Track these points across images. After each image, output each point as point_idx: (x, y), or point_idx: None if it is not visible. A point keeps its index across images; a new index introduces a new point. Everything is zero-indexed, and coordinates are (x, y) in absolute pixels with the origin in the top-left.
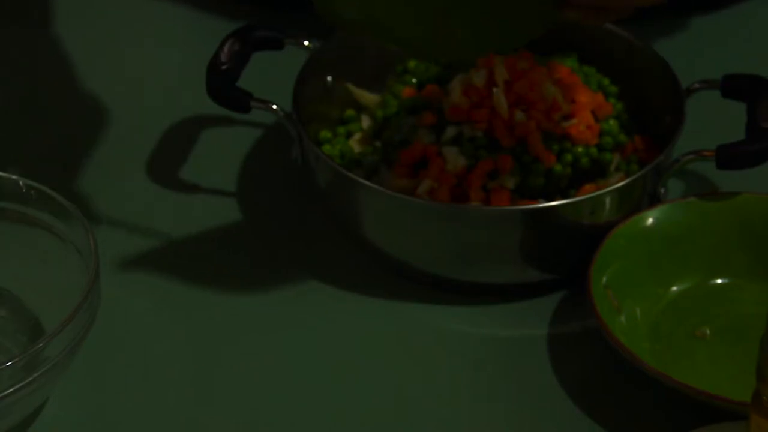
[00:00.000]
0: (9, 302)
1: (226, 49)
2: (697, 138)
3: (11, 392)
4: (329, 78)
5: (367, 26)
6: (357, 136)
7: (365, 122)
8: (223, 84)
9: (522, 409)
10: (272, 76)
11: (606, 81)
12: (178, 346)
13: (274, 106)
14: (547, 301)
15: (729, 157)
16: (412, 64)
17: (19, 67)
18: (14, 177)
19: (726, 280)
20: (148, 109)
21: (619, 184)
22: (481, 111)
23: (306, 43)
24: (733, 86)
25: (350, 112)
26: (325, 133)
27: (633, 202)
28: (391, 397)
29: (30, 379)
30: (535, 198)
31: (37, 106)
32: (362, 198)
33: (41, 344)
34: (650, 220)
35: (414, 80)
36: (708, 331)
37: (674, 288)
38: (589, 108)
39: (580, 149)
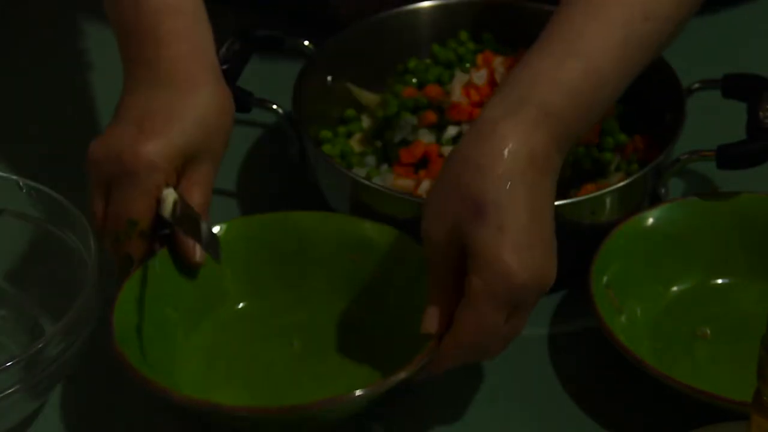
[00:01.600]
0: (9, 302)
1: (226, 48)
2: (697, 138)
3: (11, 392)
4: (329, 77)
5: None
6: (357, 135)
7: (365, 122)
8: None
9: (522, 408)
10: (272, 76)
11: None
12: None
13: (274, 106)
14: (547, 301)
15: (729, 156)
16: (412, 63)
17: (18, 67)
18: (14, 177)
19: (727, 280)
20: None
21: (620, 184)
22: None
23: (306, 42)
24: (734, 86)
25: (350, 112)
26: (326, 133)
27: (633, 201)
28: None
29: (30, 379)
30: None
31: (36, 106)
32: (363, 197)
33: (41, 344)
34: (651, 220)
35: (414, 80)
36: (708, 331)
37: (675, 288)
38: None
39: (580, 149)
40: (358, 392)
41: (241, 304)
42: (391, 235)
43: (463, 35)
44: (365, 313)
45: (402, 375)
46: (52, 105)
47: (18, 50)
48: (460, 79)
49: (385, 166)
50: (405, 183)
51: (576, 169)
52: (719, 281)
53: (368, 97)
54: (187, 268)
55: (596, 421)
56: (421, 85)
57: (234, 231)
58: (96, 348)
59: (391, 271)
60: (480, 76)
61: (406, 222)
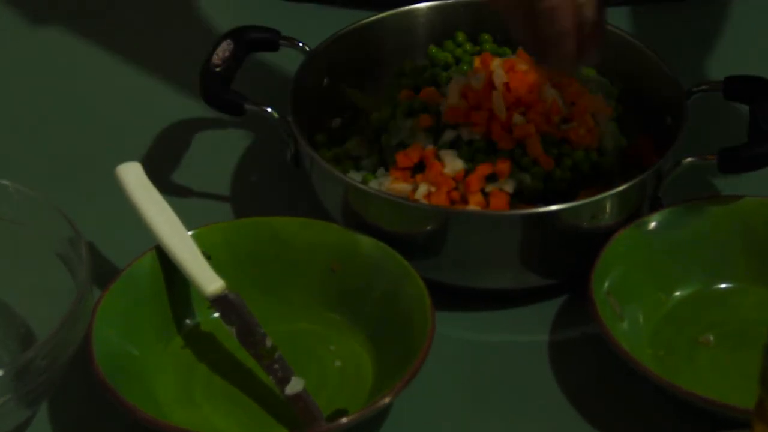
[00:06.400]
0: (0, 309)
1: (219, 50)
2: (698, 141)
3: (1, 402)
4: (325, 80)
5: None
6: (353, 139)
7: (361, 125)
8: (216, 87)
9: (523, 415)
10: (267, 78)
11: (606, 82)
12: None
13: (269, 109)
14: (547, 307)
15: (731, 160)
16: (408, 65)
17: (11, 70)
18: (4, 182)
19: (729, 285)
20: (141, 113)
21: (620, 188)
22: (479, 113)
23: (301, 44)
24: (736, 88)
25: (346, 115)
26: (321, 137)
27: (634, 206)
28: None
29: (21, 388)
30: (535, 202)
31: (27, 111)
32: (359, 202)
33: (32, 353)
34: (651, 225)
35: (411, 82)
36: (712, 338)
37: (677, 293)
38: (588, 111)
39: (580, 153)
40: (343, 420)
41: (218, 313)
42: (372, 245)
43: (461, 36)
44: (344, 322)
45: (386, 400)
46: (43, 109)
47: (11, 52)
48: (457, 81)
49: (381, 170)
50: (401, 187)
51: (575, 173)
52: (722, 286)
53: (364, 100)
54: (167, 274)
55: (597, 427)
56: (417, 88)
57: (216, 236)
58: (87, 357)
59: (370, 281)
60: (477, 79)
61: (403, 227)
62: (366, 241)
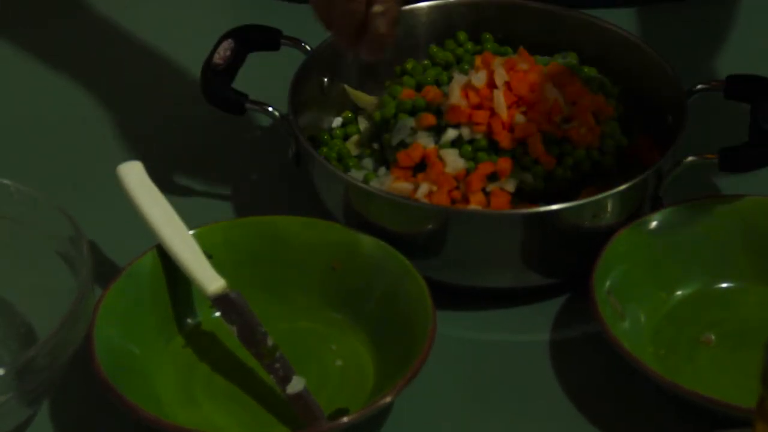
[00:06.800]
0: (2, 308)
1: (221, 49)
2: (699, 140)
3: (2, 402)
4: (326, 79)
5: None
6: (354, 138)
7: (362, 124)
8: (217, 85)
9: (524, 414)
10: (268, 77)
11: (607, 82)
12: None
13: (270, 108)
14: (548, 306)
15: (732, 159)
16: (410, 65)
17: (11, 70)
18: (5, 181)
19: (730, 284)
20: (141, 113)
21: (621, 188)
22: (480, 113)
23: (302, 44)
24: (737, 87)
25: (347, 114)
26: (322, 135)
27: (635, 205)
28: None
29: (22, 387)
30: (536, 201)
31: (27, 111)
32: (360, 201)
33: (33, 352)
34: (652, 224)
35: (412, 81)
36: (713, 337)
37: (678, 292)
38: (589, 110)
39: (581, 152)
40: (344, 419)
41: (219, 312)
42: (373, 244)
43: (462, 36)
44: (345, 321)
45: (388, 399)
46: (43, 109)
47: (10, 53)
48: (458, 80)
49: (382, 169)
50: (403, 186)
51: (576, 172)
52: (723, 285)
53: (365, 99)
54: (168, 273)
55: (598, 428)
56: (419, 87)
57: (217, 235)
58: (88, 356)
59: (371, 280)
60: (479, 78)
61: (404, 226)
62: (367, 241)
